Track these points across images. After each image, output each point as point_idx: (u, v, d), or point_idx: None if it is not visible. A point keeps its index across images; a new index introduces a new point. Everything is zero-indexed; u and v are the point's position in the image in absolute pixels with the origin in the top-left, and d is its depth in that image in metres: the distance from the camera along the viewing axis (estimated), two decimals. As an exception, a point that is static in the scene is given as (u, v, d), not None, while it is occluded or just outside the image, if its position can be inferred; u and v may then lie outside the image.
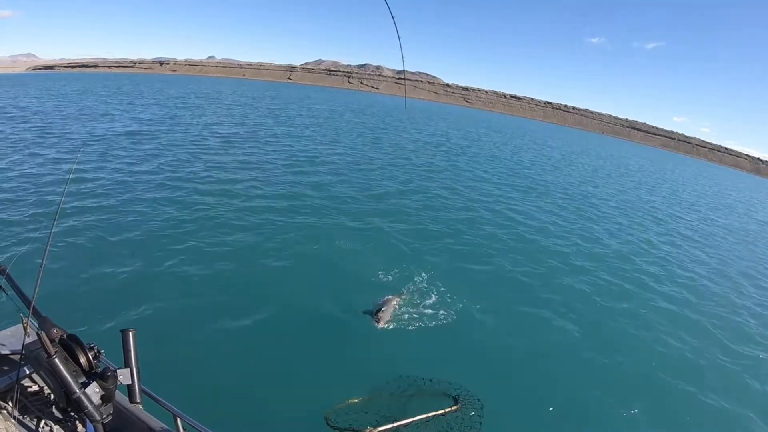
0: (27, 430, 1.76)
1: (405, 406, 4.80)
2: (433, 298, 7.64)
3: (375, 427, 3.77)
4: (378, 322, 6.35)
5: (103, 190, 10.18)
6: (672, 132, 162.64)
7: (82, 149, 14.30)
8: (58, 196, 8.81)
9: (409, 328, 6.68)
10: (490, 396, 5.20)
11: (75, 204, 9.06)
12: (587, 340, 7.29)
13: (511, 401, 5.59)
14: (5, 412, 1.43)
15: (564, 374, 6.33)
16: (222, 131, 22.32)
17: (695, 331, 8.54)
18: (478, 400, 4.89)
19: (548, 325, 7.67)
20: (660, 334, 8.04)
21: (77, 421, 1.81)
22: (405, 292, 7.76)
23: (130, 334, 1.71)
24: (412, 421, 4.27)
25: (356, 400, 4.79)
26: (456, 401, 4.87)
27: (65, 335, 1.69)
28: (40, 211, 8.81)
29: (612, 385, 6.26)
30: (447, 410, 4.62)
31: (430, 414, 4.45)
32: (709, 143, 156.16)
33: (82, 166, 11.93)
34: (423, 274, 8.47)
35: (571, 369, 6.48)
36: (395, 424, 4.03)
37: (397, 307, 7.03)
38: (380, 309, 6.71)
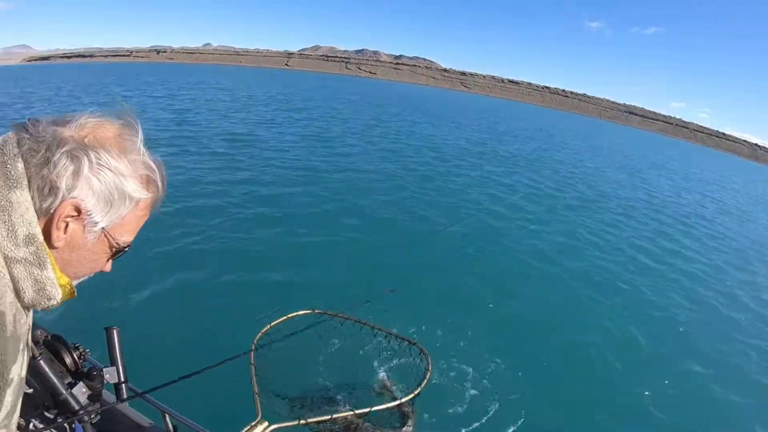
0: None
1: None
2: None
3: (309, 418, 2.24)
4: None
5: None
6: (669, 117, 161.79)
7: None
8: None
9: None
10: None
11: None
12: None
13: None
14: None
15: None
16: (246, 133, 18.03)
17: None
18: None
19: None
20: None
21: (65, 422, 1.75)
22: None
23: (115, 331, 1.68)
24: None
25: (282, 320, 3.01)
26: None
27: (49, 336, 1.69)
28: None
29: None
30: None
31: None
32: (707, 128, 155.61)
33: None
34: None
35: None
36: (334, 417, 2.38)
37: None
38: None
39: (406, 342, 2.97)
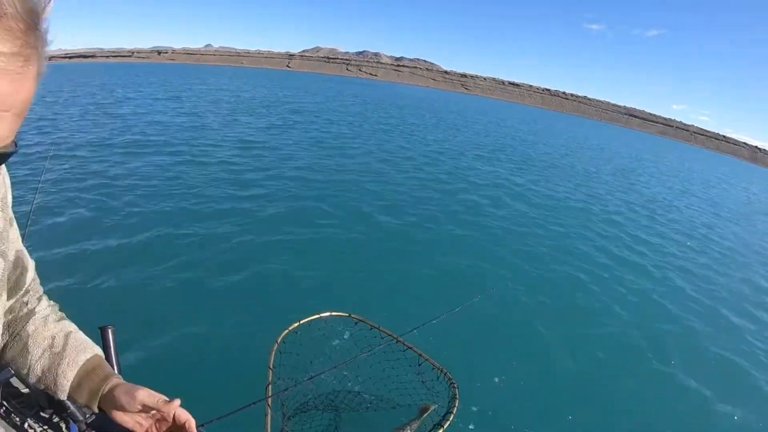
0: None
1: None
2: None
3: None
4: None
5: (82, 193, 8.97)
6: (670, 120, 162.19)
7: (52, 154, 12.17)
8: (32, 195, 8.41)
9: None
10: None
11: (50, 205, 8.29)
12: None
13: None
14: None
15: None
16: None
17: None
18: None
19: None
20: None
21: (60, 422, 1.69)
22: None
23: (110, 330, 1.66)
24: None
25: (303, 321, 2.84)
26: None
27: None
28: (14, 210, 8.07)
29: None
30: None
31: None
32: (708, 131, 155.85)
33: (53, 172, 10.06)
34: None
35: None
36: None
37: None
38: None
39: (438, 370, 2.69)
